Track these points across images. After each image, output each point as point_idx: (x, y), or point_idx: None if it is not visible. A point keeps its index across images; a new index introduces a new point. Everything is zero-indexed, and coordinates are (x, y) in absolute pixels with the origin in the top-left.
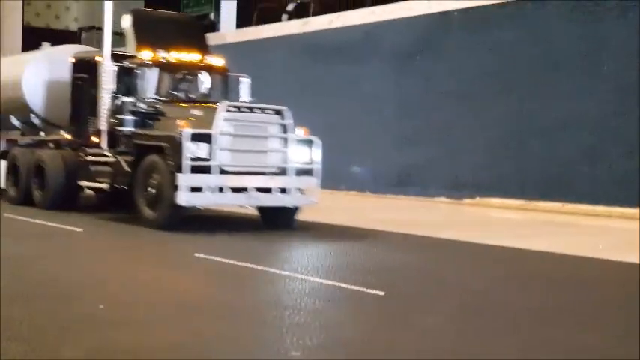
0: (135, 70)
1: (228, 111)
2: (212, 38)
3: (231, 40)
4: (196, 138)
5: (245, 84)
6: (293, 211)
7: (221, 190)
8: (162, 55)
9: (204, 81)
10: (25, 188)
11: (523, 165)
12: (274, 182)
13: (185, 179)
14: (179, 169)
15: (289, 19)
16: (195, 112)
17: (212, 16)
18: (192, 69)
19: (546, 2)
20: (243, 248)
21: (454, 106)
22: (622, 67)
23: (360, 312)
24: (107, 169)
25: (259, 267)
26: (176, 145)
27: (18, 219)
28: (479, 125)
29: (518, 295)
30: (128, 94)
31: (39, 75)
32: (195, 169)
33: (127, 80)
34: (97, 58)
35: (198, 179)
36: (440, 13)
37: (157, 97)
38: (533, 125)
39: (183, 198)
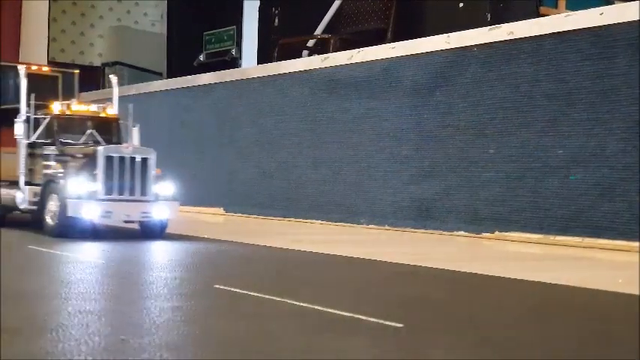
0: None
1: None
2: (234, 74)
3: (251, 75)
4: None
5: None
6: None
7: None
8: None
9: None
10: None
11: (541, 199)
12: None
13: None
14: None
15: (310, 54)
16: None
17: (234, 51)
18: None
19: (564, 38)
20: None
21: (472, 140)
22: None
23: (376, 344)
24: None
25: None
26: None
27: None
28: (497, 159)
29: (539, 329)
30: None
31: None
32: None
33: None
34: None
35: None
36: (459, 48)
37: None
38: (550, 160)
39: None
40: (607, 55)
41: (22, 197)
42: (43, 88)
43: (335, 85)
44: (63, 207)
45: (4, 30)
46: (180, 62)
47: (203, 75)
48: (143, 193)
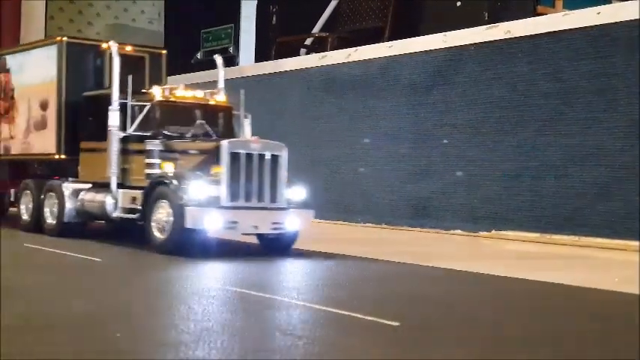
0: None
1: None
2: (231, 72)
3: (249, 73)
4: None
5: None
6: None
7: None
8: None
9: None
10: None
11: (538, 198)
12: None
13: None
14: None
15: (307, 53)
16: None
17: (231, 49)
18: None
19: (561, 37)
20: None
21: (469, 139)
22: (635, 101)
23: (374, 342)
24: None
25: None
26: None
27: None
28: (494, 158)
29: (535, 327)
30: None
31: None
32: None
33: None
34: None
35: None
36: (456, 47)
37: None
38: (547, 159)
39: None
40: (604, 54)
41: (114, 203)
42: (127, 70)
43: (332, 83)
44: (179, 216)
45: (4, 29)
46: (177, 60)
47: (199, 73)
48: (273, 199)
